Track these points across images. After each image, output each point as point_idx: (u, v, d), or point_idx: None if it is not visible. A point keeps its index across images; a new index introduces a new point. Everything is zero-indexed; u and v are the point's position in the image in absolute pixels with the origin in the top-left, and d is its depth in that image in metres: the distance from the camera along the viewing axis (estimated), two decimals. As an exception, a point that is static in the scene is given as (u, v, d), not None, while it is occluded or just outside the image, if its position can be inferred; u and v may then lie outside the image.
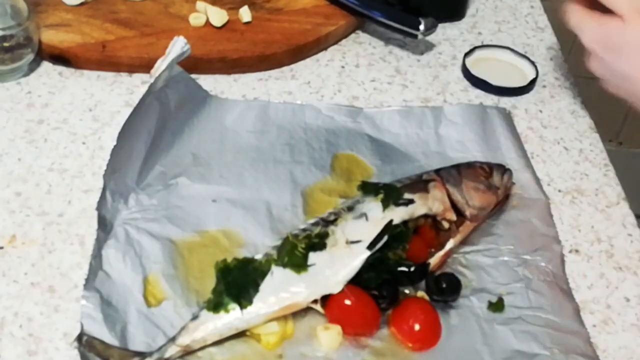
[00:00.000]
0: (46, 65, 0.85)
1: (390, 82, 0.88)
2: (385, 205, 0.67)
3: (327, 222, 0.66)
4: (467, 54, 0.91)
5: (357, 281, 0.63)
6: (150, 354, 0.60)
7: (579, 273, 0.70)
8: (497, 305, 0.66)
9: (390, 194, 0.68)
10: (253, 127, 0.80)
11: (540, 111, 0.86)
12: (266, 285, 0.63)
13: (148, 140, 0.74)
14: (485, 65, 0.90)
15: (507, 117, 0.84)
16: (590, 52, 0.76)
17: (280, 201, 0.73)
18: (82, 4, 0.90)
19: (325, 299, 0.63)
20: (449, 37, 0.95)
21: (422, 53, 0.93)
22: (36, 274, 0.65)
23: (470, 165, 0.74)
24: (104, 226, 0.68)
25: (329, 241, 0.65)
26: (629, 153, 1.67)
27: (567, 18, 0.77)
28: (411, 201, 0.68)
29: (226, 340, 0.62)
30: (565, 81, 0.91)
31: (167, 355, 0.60)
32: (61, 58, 0.85)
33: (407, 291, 0.66)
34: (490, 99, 0.87)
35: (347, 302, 0.63)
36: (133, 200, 0.71)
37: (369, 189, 0.69)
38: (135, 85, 0.84)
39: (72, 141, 0.77)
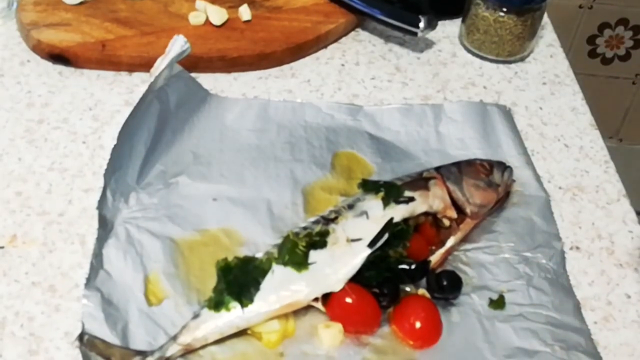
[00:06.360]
0: (46, 65, 0.85)
1: (390, 79, 0.88)
2: (386, 203, 0.67)
3: (328, 220, 0.66)
4: None
5: (357, 279, 0.63)
6: (152, 352, 0.60)
7: (579, 270, 0.70)
8: (498, 303, 0.66)
9: (391, 192, 0.68)
10: (253, 125, 0.80)
11: (541, 108, 0.86)
12: (267, 283, 0.63)
13: (148, 139, 0.74)
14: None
15: (507, 114, 0.84)
16: None
17: (280, 199, 0.72)
18: (81, 3, 0.90)
19: (326, 297, 0.63)
20: (448, 34, 0.95)
21: (422, 51, 0.93)
22: (37, 274, 0.65)
23: (470, 163, 0.74)
24: (105, 225, 0.68)
25: (329, 239, 0.65)
26: (630, 150, 1.67)
27: None
28: (412, 199, 0.68)
29: (227, 339, 0.62)
30: (566, 78, 0.90)
31: (168, 354, 0.60)
32: (61, 57, 0.85)
33: (408, 289, 0.66)
34: (490, 97, 0.87)
35: (348, 300, 0.63)
36: (133, 199, 0.71)
37: (369, 187, 0.69)
38: (135, 85, 0.84)
39: (72, 140, 0.77)
